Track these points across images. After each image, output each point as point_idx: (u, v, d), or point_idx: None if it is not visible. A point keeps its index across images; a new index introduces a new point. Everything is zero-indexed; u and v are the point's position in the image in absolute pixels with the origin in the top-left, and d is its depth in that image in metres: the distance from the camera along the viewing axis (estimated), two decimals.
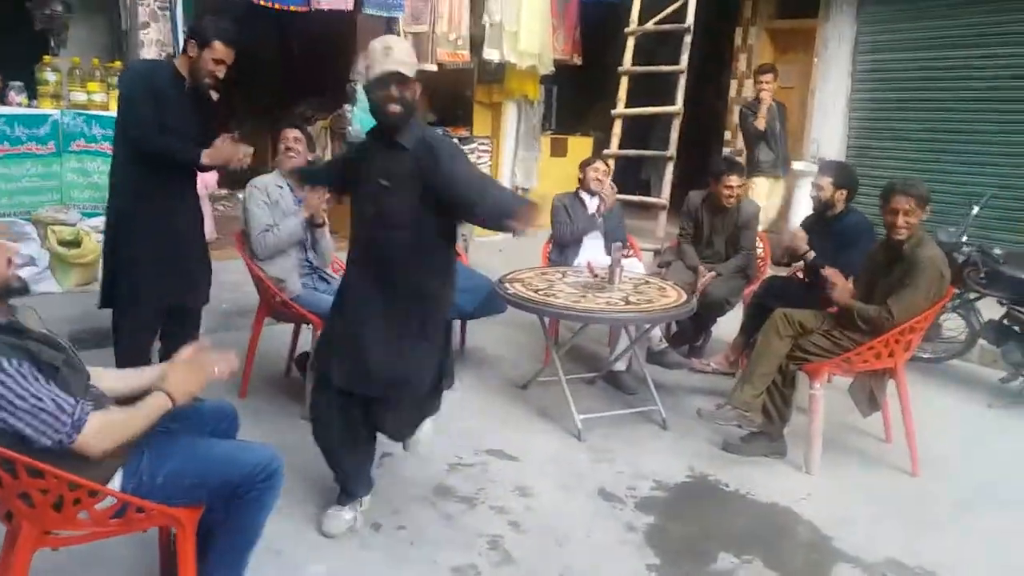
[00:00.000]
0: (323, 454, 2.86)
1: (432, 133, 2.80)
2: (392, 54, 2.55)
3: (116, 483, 1.91)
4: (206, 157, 3.25)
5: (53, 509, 1.81)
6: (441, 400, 3.00)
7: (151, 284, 3.30)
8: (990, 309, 4.69)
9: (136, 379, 2.15)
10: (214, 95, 3.43)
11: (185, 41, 3.26)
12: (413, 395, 2.76)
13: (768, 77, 6.33)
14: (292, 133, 3.87)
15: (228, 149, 3.28)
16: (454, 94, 8.25)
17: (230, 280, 4.86)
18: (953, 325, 4.91)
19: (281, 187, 3.80)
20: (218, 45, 3.20)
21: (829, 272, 3.54)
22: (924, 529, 3.05)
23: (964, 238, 4.78)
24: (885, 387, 3.59)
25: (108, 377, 2.14)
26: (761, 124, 6.31)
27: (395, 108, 2.56)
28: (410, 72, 2.58)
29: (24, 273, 1.91)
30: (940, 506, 3.24)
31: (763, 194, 6.39)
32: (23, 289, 1.91)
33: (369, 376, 2.65)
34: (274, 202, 3.74)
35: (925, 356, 4.85)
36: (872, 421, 3.74)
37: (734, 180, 4.55)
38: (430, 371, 2.78)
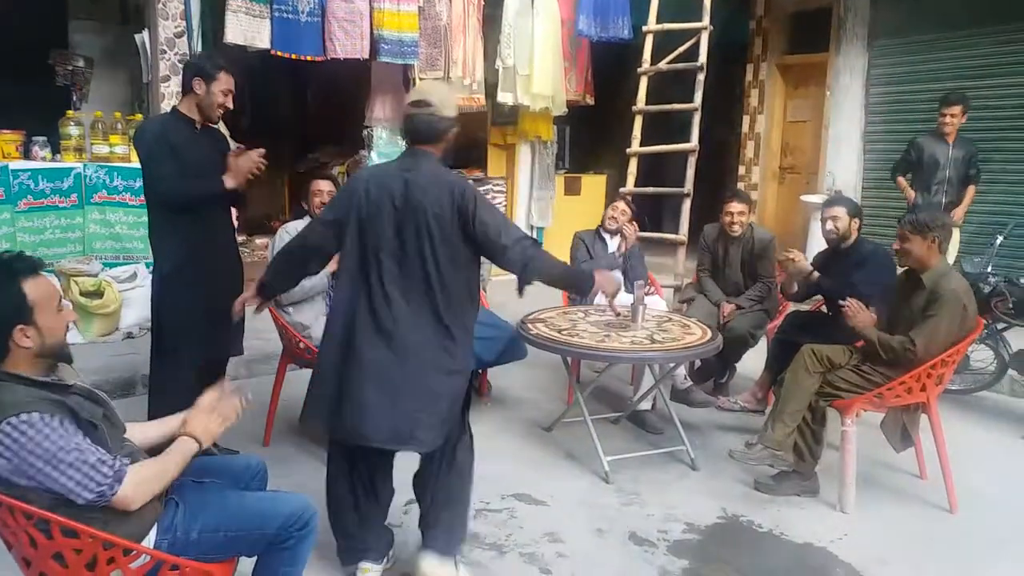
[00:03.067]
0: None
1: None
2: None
3: (150, 540, 1.89)
4: (228, 180, 3.28)
5: (87, 569, 1.79)
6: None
7: (193, 344, 3.32)
8: (1019, 339, 4.63)
9: (157, 430, 2.16)
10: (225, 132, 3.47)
11: (190, 82, 3.29)
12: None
13: (955, 110, 5.41)
14: (326, 186, 3.89)
15: (242, 162, 3.30)
16: (469, 136, 8.34)
17: (251, 326, 4.85)
18: (981, 356, 4.84)
19: None
20: (223, 76, 3.28)
21: (850, 303, 3.50)
22: (966, 570, 2.97)
23: (989, 268, 4.74)
24: (918, 422, 3.52)
25: (133, 431, 2.14)
26: (910, 197, 5.60)
27: None
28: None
29: None
30: (981, 545, 3.15)
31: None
32: (69, 357, 1.95)
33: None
34: None
35: (954, 388, 4.77)
36: (905, 457, 3.67)
37: (734, 207, 4.57)
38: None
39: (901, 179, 5.83)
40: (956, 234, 5.56)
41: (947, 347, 3.28)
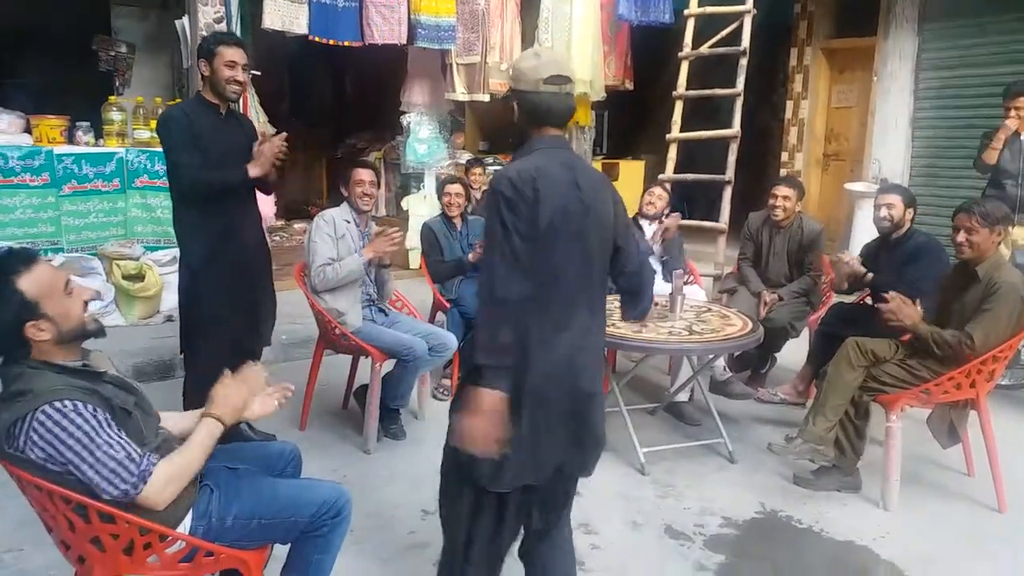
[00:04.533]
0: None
1: None
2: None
3: (185, 525, 1.90)
4: (253, 168, 3.26)
5: (124, 553, 1.81)
6: None
7: (222, 333, 3.31)
8: None
9: (183, 420, 2.14)
10: (268, 127, 3.45)
11: (197, 66, 3.27)
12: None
13: (1020, 101, 4.88)
14: (368, 175, 3.83)
15: (265, 149, 3.28)
16: (505, 122, 8.28)
17: (288, 311, 4.89)
18: None
19: (348, 222, 3.79)
20: (222, 49, 3.21)
21: (892, 297, 3.37)
22: (1014, 570, 2.87)
23: None
24: (966, 418, 3.42)
25: (166, 421, 2.15)
26: (991, 157, 4.98)
27: None
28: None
29: (93, 308, 1.95)
30: None
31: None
32: (99, 332, 1.91)
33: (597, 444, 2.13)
34: (340, 236, 3.73)
35: (1004, 383, 4.62)
36: (951, 453, 3.57)
37: (781, 190, 4.47)
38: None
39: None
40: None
41: (1002, 342, 3.17)
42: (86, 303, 1.89)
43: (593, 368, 2.07)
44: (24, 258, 1.80)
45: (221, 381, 2.01)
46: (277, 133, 3.42)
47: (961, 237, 3.27)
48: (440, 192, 4.73)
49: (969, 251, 3.27)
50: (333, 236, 3.70)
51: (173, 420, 2.12)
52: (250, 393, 2.03)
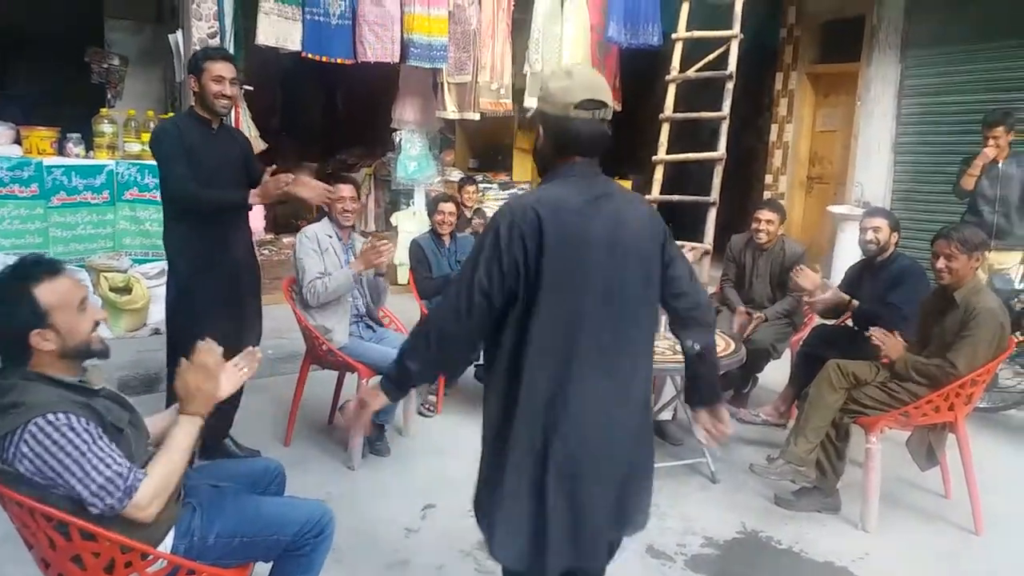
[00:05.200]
0: None
1: None
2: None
3: (167, 544, 1.90)
4: (254, 198, 3.29)
5: (105, 572, 1.81)
6: None
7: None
8: None
9: (159, 422, 2.13)
10: (259, 142, 3.48)
11: (189, 82, 3.30)
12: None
13: (998, 131, 5.02)
14: (349, 192, 3.86)
15: (272, 185, 3.30)
16: (495, 141, 8.36)
17: (275, 326, 4.89)
18: (1010, 374, 4.75)
19: (331, 236, 3.83)
20: (210, 64, 3.24)
21: (876, 333, 3.45)
22: None
23: (1020, 285, 4.64)
24: (945, 441, 3.47)
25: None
26: (968, 184, 5.14)
27: None
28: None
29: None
30: (1007, 569, 3.09)
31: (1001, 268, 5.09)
32: (104, 352, 1.92)
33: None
34: (324, 250, 3.77)
35: (981, 406, 4.68)
36: (930, 475, 3.61)
37: (764, 214, 4.54)
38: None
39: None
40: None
41: (982, 366, 3.22)
42: (96, 323, 1.90)
43: (631, 432, 1.86)
44: (49, 268, 1.83)
45: (178, 375, 1.97)
46: (266, 152, 3.45)
47: (941, 263, 3.33)
48: (433, 210, 4.76)
49: (948, 277, 3.33)
50: (318, 250, 3.74)
51: (151, 423, 2.13)
52: (212, 375, 1.99)
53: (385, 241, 3.92)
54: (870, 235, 4.05)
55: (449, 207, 4.71)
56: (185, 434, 1.91)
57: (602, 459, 1.81)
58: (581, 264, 1.76)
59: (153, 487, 1.79)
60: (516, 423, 1.78)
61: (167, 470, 1.84)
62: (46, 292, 1.79)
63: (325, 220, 3.90)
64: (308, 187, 3.42)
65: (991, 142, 5.05)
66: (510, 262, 1.74)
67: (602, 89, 1.87)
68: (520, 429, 1.78)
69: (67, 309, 1.82)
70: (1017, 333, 4.28)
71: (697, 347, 1.99)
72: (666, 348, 3.66)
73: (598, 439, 1.80)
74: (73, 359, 1.87)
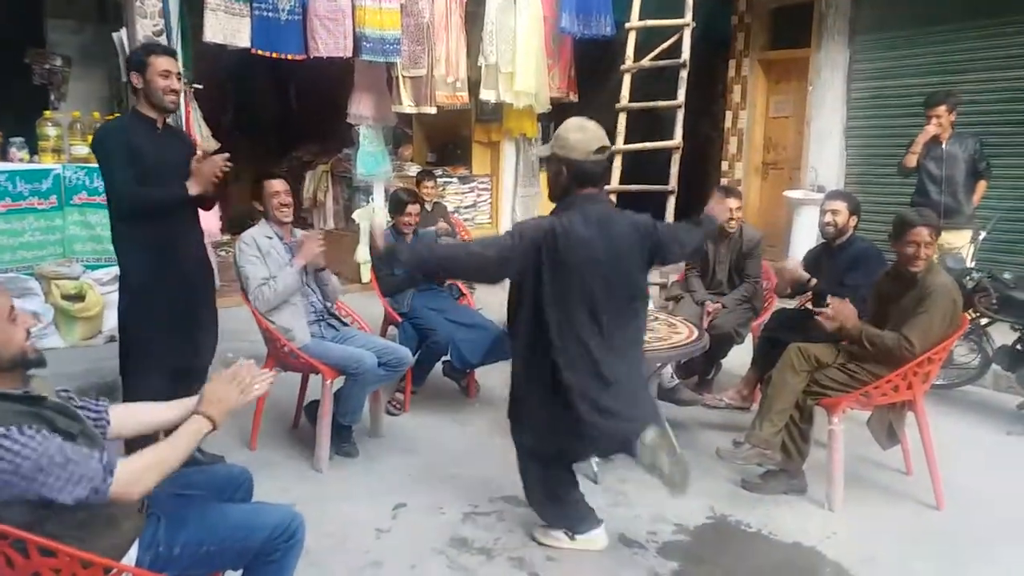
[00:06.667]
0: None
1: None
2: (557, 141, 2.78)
3: (132, 556, 1.85)
4: (192, 187, 3.22)
5: None
6: None
7: (162, 355, 3.26)
8: (1002, 334, 4.66)
9: (166, 412, 2.12)
10: (211, 141, 3.41)
11: (129, 80, 3.22)
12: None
13: (940, 110, 5.15)
14: (282, 186, 3.79)
15: (205, 167, 3.23)
16: (453, 134, 8.31)
17: (235, 328, 4.80)
18: (964, 351, 4.87)
19: (270, 237, 3.76)
20: (155, 59, 3.17)
21: (831, 300, 3.48)
22: (954, 566, 2.98)
23: (972, 263, 4.75)
24: (904, 419, 3.54)
25: (132, 411, 2.13)
26: (910, 161, 5.29)
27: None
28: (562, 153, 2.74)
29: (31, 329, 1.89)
30: (968, 541, 3.17)
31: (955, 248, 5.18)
32: (40, 362, 1.86)
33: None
34: (265, 253, 3.70)
35: (938, 382, 4.79)
36: (892, 453, 3.69)
37: (732, 203, 4.56)
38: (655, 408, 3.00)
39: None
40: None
41: (937, 343, 3.29)
42: (28, 331, 1.84)
43: (616, 368, 2.74)
44: None
45: (214, 378, 1.99)
46: (218, 151, 3.38)
47: (922, 252, 3.32)
48: (400, 211, 4.67)
49: (923, 264, 3.35)
50: (259, 255, 3.67)
51: (150, 409, 2.08)
52: (242, 393, 2.00)
53: (319, 232, 3.86)
54: (828, 217, 4.11)
55: (415, 208, 4.68)
56: (191, 431, 1.89)
57: (591, 384, 2.70)
58: (587, 265, 2.65)
59: (134, 466, 1.75)
60: (537, 359, 2.74)
61: (156, 457, 1.81)
62: None
63: (263, 222, 3.81)
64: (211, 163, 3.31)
65: (933, 121, 5.16)
66: (547, 252, 2.65)
67: (606, 137, 2.76)
68: (540, 363, 2.73)
69: None
70: (970, 311, 4.40)
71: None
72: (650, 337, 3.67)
73: (585, 371, 2.68)
74: (10, 371, 1.81)
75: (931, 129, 5.15)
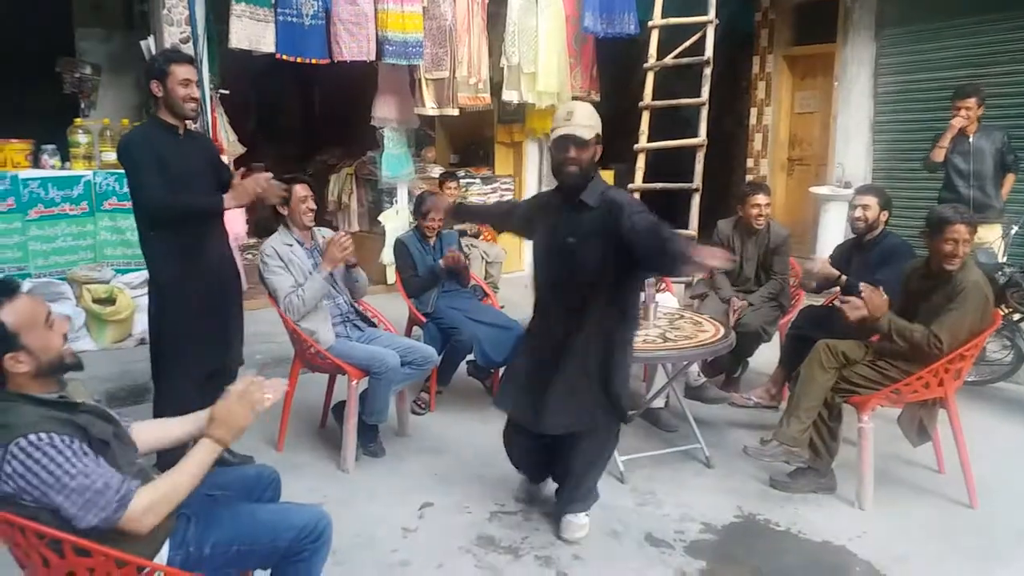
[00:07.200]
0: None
1: (614, 191, 2.96)
2: (573, 118, 2.80)
3: (163, 555, 1.88)
4: (230, 200, 3.26)
5: None
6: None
7: (193, 357, 3.30)
8: None
9: (178, 428, 2.13)
10: (237, 146, 3.45)
11: (149, 88, 3.25)
12: (590, 435, 2.97)
13: (969, 103, 5.06)
14: (307, 191, 3.81)
15: (248, 184, 3.27)
16: (475, 135, 8.33)
17: (262, 331, 4.87)
18: (997, 347, 4.79)
19: (290, 244, 3.77)
20: (175, 68, 3.19)
21: (864, 287, 3.41)
22: (988, 565, 2.93)
23: (1004, 259, 4.67)
24: (936, 416, 3.49)
25: (149, 429, 2.13)
26: (938, 155, 5.21)
27: (572, 169, 2.80)
28: (587, 135, 2.79)
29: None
30: (1002, 538, 3.11)
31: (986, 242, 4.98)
32: (77, 365, 1.89)
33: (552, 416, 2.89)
34: (288, 261, 3.71)
35: (970, 379, 4.71)
36: (923, 451, 3.64)
37: (760, 199, 4.53)
38: (606, 411, 2.94)
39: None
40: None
41: (966, 341, 3.23)
42: (65, 336, 1.87)
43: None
44: (5, 289, 1.78)
45: (224, 397, 1.96)
46: (244, 156, 3.42)
47: (960, 249, 3.27)
48: (421, 213, 4.68)
49: (959, 261, 3.28)
50: (282, 265, 3.69)
51: (160, 427, 2.10)
52: (253, 409, 1.97)
53: (343, 232, 3.87)
54: (859, 212, 4.06)
55: (441, 213, 4.68)
56: (202, 457, 1.89)
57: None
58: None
59: (148, 499, 1.77)
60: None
61: (169, 487, 1.82)
62: (9, 314, 1.75)
63: (281, 229, 3.82)
64: (268, 188, 3.38)
65: (962, 113, 5.08)
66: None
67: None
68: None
69: (35, 327, 1.79)
70: (1002, 306, 4.33)
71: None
72: (656, 336, 3.66)
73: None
74: (48, 376, 1.84)
75: (956, 123, 5.07)
